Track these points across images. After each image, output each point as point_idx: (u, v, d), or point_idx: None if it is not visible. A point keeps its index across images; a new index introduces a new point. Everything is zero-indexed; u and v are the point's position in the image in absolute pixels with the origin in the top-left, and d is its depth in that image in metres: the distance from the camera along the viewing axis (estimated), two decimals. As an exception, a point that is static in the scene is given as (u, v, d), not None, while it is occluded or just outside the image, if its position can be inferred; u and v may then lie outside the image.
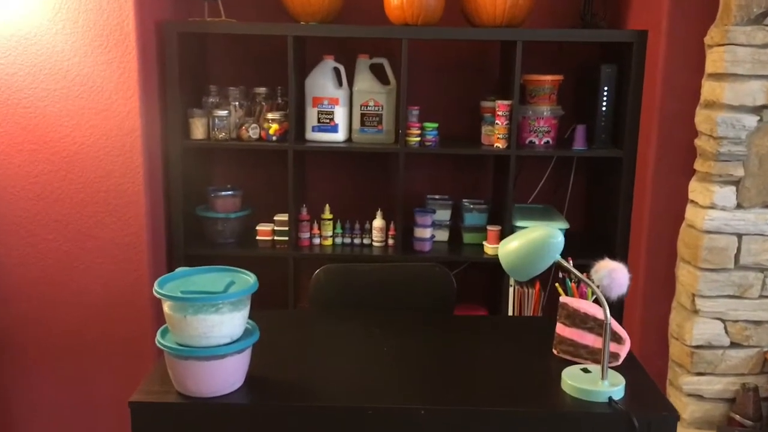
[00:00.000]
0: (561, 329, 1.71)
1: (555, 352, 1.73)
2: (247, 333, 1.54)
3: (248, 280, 1.55)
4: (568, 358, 1.70)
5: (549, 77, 2.63)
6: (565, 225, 2.66)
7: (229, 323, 1.48)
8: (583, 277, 1.57)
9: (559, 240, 1.55)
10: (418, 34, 2.51)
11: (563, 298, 1.73)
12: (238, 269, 1.59)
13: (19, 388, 2.56)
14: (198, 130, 2.63)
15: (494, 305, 2.78)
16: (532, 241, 1.56)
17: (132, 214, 2.45)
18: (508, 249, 1.59)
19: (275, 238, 2.73)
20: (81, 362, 2.55)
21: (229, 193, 2.74)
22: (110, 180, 2.42)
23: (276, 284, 2.60)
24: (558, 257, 1.56)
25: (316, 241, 2.75)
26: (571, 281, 1.80)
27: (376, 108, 2.64)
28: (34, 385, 2.56)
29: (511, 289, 2.64)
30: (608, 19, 2.75)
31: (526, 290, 2.66)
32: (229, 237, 2.74)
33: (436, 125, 2.62)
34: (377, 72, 2.67)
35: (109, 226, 2.45)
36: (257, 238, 2.74)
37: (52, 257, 2.46)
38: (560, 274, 1.85)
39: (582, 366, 1.62)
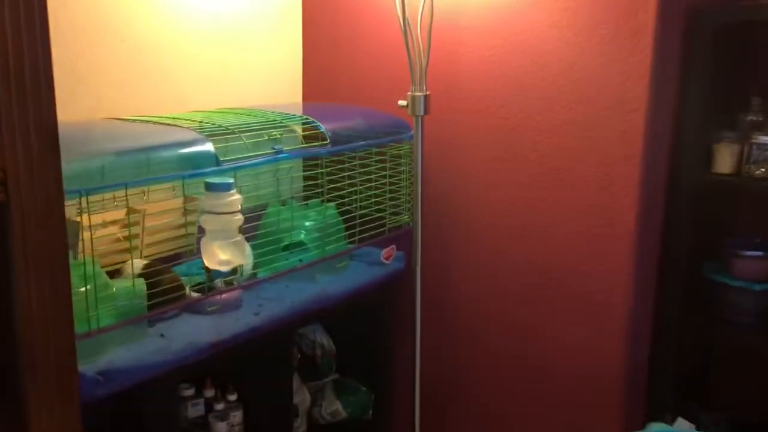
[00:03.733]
0: None
1: None
2: None
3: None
4: None
5: None
6: None
7: None
8: None
9: None
10: None
11: None
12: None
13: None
14: (724, 160, 1.86)
15: None
16: None
17: (612, 262, 1.83)
18: None
19: (822, 332, 1.79)
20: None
21: (757, 253, 1.90)
22: (592, 216, 1.84)
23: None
24: None
25: None
26: None
27: None
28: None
29: None
30: None
31: None
32: (748, 315, 1.91)
33: None
34: None
35: (579, 276, 1.88)
36: (793, 326, 1.84)
37: (511, 304, 2.02)
38: None
39: None
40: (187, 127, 1.51)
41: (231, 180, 1.42)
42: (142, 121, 1.60)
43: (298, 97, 2.31)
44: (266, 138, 1.59)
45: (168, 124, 1.54)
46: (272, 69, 2.20)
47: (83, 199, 1.25)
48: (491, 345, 2.07)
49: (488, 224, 2.01)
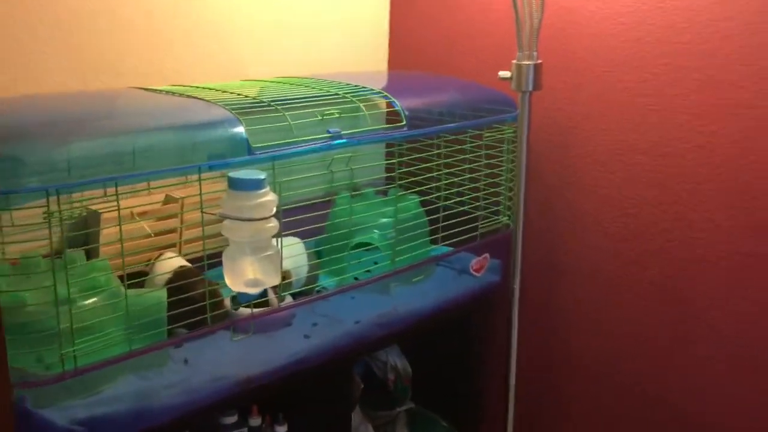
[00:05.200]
0: None
1: None
2: None
3: None
4: None
5: None
6: None
7: None
8: None
9: None
10: None
11: None
12: None
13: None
14: None
15: None
16: None
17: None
18: None
19: None
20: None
21: None
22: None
23: None
24: None
25: None
26: None
27: None
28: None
29: None
30: None
31: None
32: None
33: None
34: None
35: (735, 313, 1.41)
36: None
37: (634, 334, 1.56)
38: None
39: None
40: (216, 102, 1.15)
41: (262, 175, 1.06)
42: (169, 92, 1.27)
43: (383, 65, 1.92)
44: (319, 117, 1.21)
45: (198, 98, 1.20)
46: (352, 29, 1.81)
47: (54, 199, 0.92)
48: (608, 382, 1.63)
49: (612, 233, 1.55)
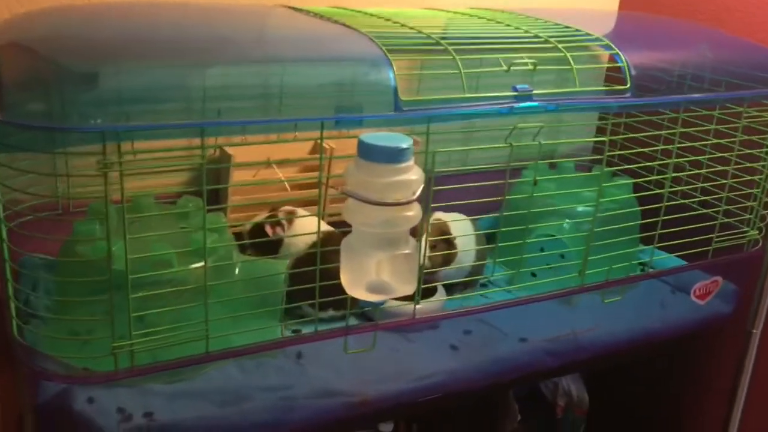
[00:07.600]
0: None
1: None
2: None
3: None
4: None
5: None
6: None
7: None
8: None
9: None
10: None
11: None
12: None
13: None
14: None
15: None
16: None
17: None
18: None
19: None
20: None
21: None
22: None
23: None
24: None
25: None
26: None
27: None
28: None
29: None
30: None
31: None
32: None
33: None
34: None
35: None
36: None
37: None
38: None
39: None
40: (368, 34, 0.84)
41: (405, 143, 0.74)
42: (319, 14, 0.98)
43: (612, 4, 1.51)
44: (505, 68, 0.86)
45: (348, 26, 0.89)
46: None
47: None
48: None
49: None
